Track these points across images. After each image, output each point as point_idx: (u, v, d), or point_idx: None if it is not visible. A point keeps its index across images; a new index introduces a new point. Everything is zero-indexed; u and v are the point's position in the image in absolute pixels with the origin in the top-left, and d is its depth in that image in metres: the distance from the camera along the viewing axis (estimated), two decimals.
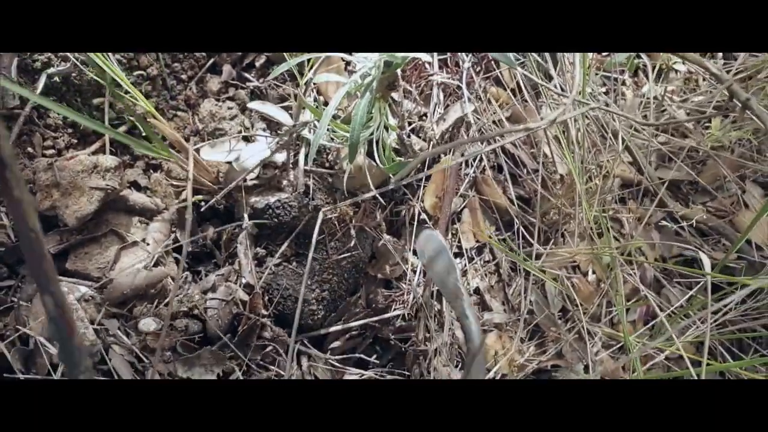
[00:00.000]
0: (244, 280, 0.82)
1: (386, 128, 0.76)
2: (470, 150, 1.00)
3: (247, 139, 0.83)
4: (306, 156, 0.81)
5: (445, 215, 0.92)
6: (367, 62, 0.64)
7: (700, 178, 1.20)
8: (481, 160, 1.03)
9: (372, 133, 0.79)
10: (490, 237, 0.92)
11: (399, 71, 0.69)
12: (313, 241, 0.79)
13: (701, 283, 0.91)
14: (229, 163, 0.81)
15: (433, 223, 0.92)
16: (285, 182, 0.84)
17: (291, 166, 0.83)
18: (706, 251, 1.22)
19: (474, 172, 1.01)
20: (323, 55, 0.71)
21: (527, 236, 1.02)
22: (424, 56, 0.72)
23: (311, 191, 0.83)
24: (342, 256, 0.86)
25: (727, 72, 1.22)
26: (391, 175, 0.85)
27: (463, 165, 1.01)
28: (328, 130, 0.83)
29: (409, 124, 0.92)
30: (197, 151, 0.81)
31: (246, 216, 0.83)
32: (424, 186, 0.94)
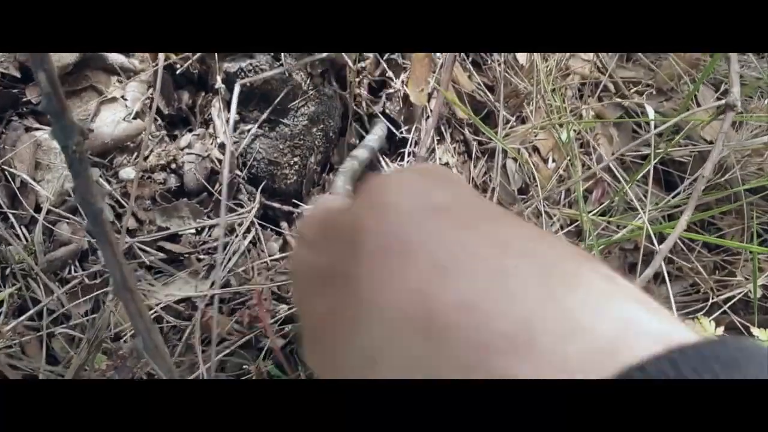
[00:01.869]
0: (218, 140, 0.87)
1: None
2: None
3: None
4: None
5: (437, 114, 0.97)
6: None
7: (657, 78, 1.27)
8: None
9: None
10: (454, 103, 0.97)
11: None
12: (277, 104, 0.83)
13: (647, 135, 0.97)
14: None
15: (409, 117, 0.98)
16: None
17: None
18: (662, 149, 1.29)
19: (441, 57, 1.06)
20: None
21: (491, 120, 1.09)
22: None
23: (282, 55, 0.88)
24: (312, 123, 0.91)
25: None
26: None
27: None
28: None
29: None
30: None
31: (219, 79, 0.87)
32: (404, 78, 0.99)
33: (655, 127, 1.28)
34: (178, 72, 0.84)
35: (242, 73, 0.87)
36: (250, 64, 0.87)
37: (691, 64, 1.27)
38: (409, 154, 1.00)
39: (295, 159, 0.91)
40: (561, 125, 1.02)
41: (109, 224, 0.49)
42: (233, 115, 0.87)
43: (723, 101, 0.74)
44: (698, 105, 1.31)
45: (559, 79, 1.18)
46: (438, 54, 1.03)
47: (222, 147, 0.87)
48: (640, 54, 1.26)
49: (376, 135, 0.95)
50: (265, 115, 0.90)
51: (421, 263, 0.18)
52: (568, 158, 1.07)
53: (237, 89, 0.86)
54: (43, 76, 0.45)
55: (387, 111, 0.98)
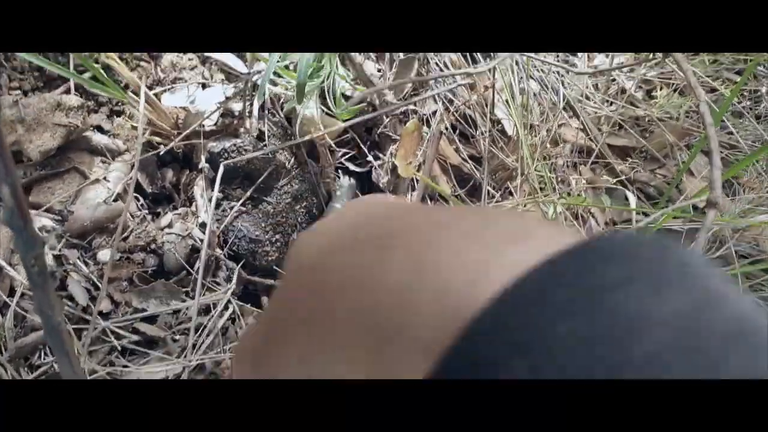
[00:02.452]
0: (200, 219, 0.87)
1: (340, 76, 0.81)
2: (428, 108, 1.06)
3: (205, 87, 0.89)
4: (258, 102, 0.86)
5: (422, 189, 0.97)
6: None
7: (648, 145, 1.26)
8: (437, 117, 1.08)
9: (323, 81, 0.85)
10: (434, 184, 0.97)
11: None
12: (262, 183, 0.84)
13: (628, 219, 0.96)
14: (186, 108, 0.86)
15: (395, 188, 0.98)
16: (242, 129, 0.89)
17: (247, 114, 0.89)
18: (655, 217, 1.27)
19: (430, 129, 1.07)
20: None
21: (478, 193, 1.08)
22: None
23: (266, 136, 0.89)
24: (295, 201, 0.91)
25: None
26: (341, 122, 0.90)
27: (423, 124, 1.07)
28: (281, 77, 0.89)
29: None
30: (157, 97, 0.86)
31: (203, 158, 0.88)
32: (393, 150, 0.99)
33: (648, 199, 1.27)
34: (161, 153, 0.85)
35: (226, 154, 0.88)
36: (234, 144, 0.88)
37: (681, 134, 1.27)
38: None
39: (277, 236, 0.91)
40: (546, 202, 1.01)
41: (68, 336, 0.49)
42: (216, 194, 0.87)
43: (706, 197, 0.73)
44: (691, 173, 1.30)
45: (549, 146, 1.18)
46: (425, 127, 1.04)
47: (203, 226, 0.87)
48: (627, 127, 1.26)
49: (342, 190, 0.96)
50: (248, 194, 0.90)
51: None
52: None
53: (221, 170, 0.86)
54: (7, 191, 0.45)
55: (375, 180, 0.99)
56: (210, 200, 0.88)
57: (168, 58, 0.88)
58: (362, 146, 0.95)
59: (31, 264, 0.47)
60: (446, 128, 1.04)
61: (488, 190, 1.10)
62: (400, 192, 1.02)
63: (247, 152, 0.88)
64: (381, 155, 0.96)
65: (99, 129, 0.87)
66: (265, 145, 0.88)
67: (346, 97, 0.90)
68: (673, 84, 1.31)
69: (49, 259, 0.77)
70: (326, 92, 0.85)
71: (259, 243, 0.89)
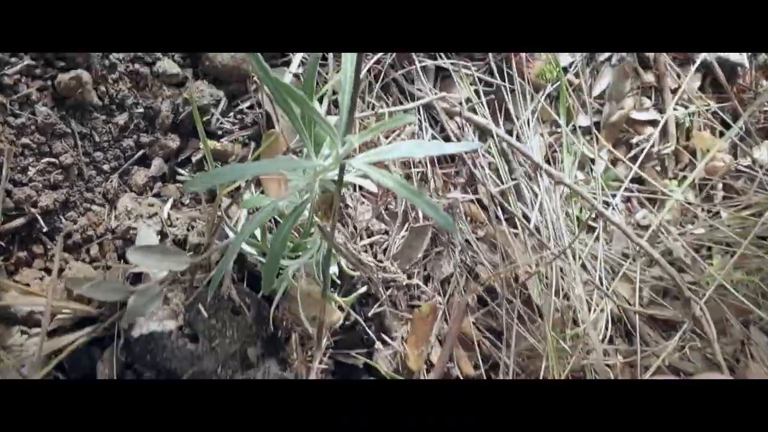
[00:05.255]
0: None
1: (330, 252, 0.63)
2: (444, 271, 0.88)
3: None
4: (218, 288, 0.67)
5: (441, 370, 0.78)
6: (300, 179, 0.53)
7: (699, 321, 1.06)
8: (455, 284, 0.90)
9: (312, 257, 0.66)
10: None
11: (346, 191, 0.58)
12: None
13: None
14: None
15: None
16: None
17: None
18: None
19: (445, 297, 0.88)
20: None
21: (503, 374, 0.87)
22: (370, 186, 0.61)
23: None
24: None
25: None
26: (337, 308, 0.71)
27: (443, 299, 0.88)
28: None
29: (364, 237, 0.80)
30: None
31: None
32: (403, 338, 0.80)
33: None
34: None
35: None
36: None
37: (738, 311, 1.08)
38: None
39: None
40: None
41: None
42: None
43: None
44: (751, 357, 1.10)
45: (581, 322, 0.98)
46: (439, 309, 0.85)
47: None
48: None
49: None
50: None
51: None
52: None
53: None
54: None
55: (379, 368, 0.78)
56: None
57: (124, 202, 0.71)
58: (367, 331, 0.76)
59: None
60: (469, 303, 0.85)
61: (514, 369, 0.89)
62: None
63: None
64: (388, 339, 0.76)
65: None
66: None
67: (340, 279, 0.72)
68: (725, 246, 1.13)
69: None
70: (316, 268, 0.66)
71: None
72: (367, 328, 0.75)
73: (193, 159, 0.75)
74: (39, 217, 0.67)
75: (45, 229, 0.68)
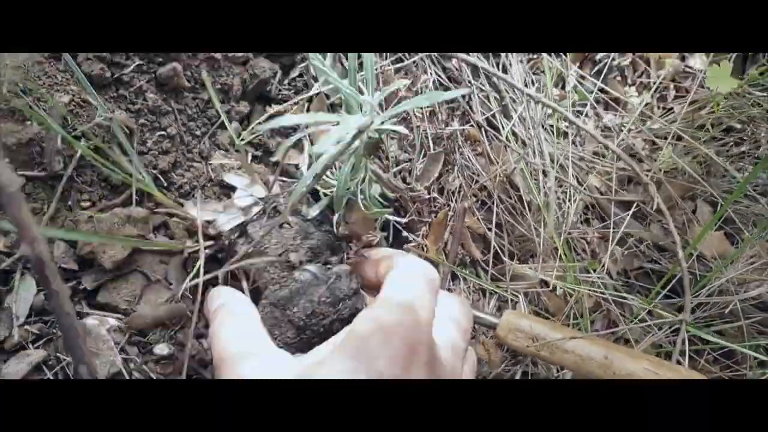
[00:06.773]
0: None
1: (372, 180, 0.89)
2: (455, 184, 1.14)
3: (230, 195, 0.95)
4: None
5: (453, 258, 1.06)
6: (348, 130, 0.76)
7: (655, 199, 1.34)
8: (462, 192, 1.17)
9: (358, 184, 0.92)
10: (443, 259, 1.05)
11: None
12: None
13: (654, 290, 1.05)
14: (209, 222, 0.92)
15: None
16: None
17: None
18: (663, 264, 1.36)
19: (455, 203, 1.15)
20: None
21: (502, 258, 1.16)
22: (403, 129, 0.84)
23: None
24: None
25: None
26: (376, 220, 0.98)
27: (449, 198, 1.15)
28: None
29: (397, 166, 1.05)
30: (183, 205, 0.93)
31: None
32: (424, 236, 1.08)
33: (660, 250, 1.35)
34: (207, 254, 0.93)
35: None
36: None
37: (685, 189, 1.35)
38: None
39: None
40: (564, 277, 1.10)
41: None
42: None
43: (678, 317, 0.82)
44: (698, 223, 1.38)
45: (565, 207, 1.26)
46: (450, 212, 1.12)
47: None
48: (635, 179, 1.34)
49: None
50: None
51: None
52: (574, 297, 1.14)
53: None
54: (84, 370, 0.49)
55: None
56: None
57: (217, 159, 0.96)
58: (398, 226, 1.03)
59: None
60: (469, 206, 1.12)
61: (512, 253, 1.18)
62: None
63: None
64: (415, 237, 1.04)
65: (158, 229, 0.95)
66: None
67: (382, 198, 0.98)
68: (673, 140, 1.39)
69: (118, 362, 0.85)
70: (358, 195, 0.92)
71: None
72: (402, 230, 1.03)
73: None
74: (159, 176, 0.92)
75: (165, 184, 0.93)
